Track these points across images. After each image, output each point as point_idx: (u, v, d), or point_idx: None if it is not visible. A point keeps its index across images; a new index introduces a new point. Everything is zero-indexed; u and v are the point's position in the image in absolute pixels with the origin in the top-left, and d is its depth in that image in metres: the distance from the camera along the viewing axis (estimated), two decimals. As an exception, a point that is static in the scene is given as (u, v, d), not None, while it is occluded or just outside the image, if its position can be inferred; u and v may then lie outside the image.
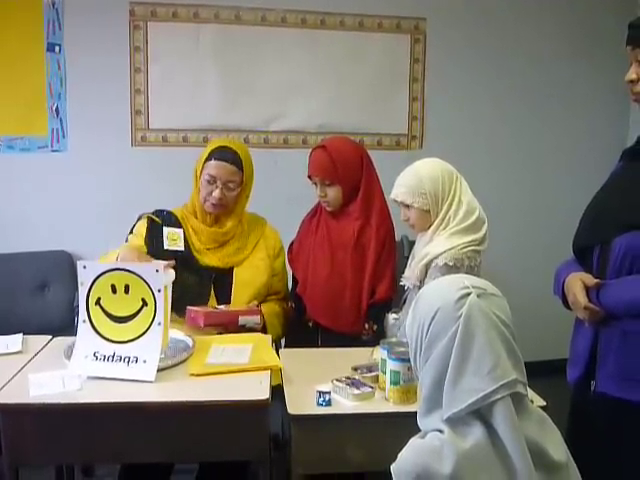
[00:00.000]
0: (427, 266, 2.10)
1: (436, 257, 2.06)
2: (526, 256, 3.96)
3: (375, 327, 2.31)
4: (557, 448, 1.21)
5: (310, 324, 2.42)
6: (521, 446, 1.14)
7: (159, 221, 2.36)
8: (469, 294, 1.20)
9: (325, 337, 2.38)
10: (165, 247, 2.29)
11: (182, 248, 2.30)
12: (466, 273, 1.99)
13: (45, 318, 3.33)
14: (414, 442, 1.22)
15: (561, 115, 4.03)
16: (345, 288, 2.33)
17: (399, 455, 1.20)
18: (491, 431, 1.16)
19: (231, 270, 2.35)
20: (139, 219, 2.41)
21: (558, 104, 4.01)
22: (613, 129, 4.02)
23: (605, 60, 3.85)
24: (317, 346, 2.37)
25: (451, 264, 2.03)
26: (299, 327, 2.45)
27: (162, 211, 2.40)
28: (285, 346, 2.43)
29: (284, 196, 3.58)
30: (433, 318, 1.21)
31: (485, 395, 1.15)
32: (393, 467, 1.19)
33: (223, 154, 2.31)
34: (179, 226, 2.36)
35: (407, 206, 2.13)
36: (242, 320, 2.22)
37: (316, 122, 3.75)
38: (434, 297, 1.25)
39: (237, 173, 2.32)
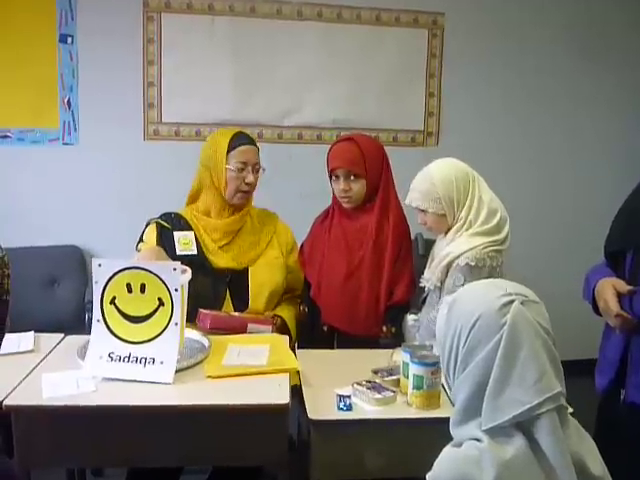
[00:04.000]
0: (448, 266, 2.07)
1: (457, 257, 2.03)
2: (544, 255, 3.90)
3: (393, 330, 2.26)
4: (595, 461, 1.18)
5: (325, 328, 2.36)
6: (566, 461, 1.10)
7: (168, 226, 2.30)
8: (512, 301, 1.16)
9: (341, 341, 2.33)
10: (178, 252, 2.23)
11: (195, 252, 2.26)
12: (489, 274, 2.01)
13: (55, 314, 3.29)
14: (450, 451, 1.18)
15: (579, 111, 3.97)
16: (362, 290, 2.28)
17: (435, 464, 1.16)
18: (533, 443, 1.12)
19: (246, 271, 2.30)
20: (147, 225, 2.35)
21: (577, 101, 3.96)
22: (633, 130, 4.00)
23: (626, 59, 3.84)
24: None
25: (473, 264, 2.01)
26: (313, 332, 2.39)
27: (170, 214, 2.34)
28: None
29: (297, 192, 3.58)
30: (474, 325, 1.16)
31: (530, 408, 1.11)
32: (429, 476, 1.16)
33: (244, 138, 2.30)
34: (189, 228, 2.31)
35: (423, 210, 2.11)
36: (251, 328, 2.17)
37: (331, 117, 3.71)
38: (473, 303, 1.20)
39: (258, 153, 2.32)
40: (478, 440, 1.14)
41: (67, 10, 3.39)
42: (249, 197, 2.34)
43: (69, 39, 3.42)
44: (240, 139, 2.29)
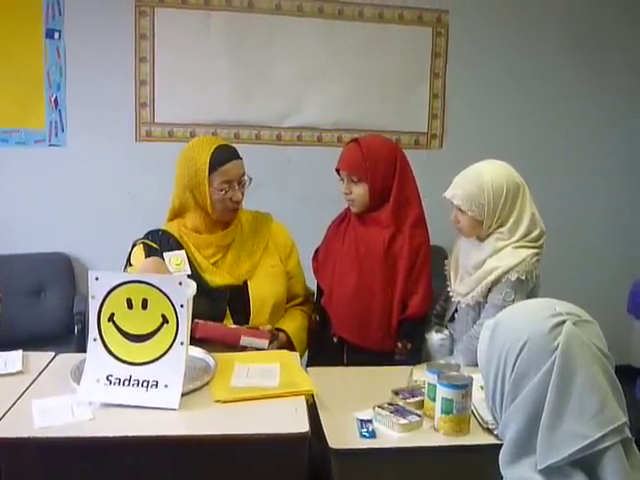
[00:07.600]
0: (496, 281, 1.99)
1: (507, 272, 1.97)
2: (547, 259, 3.79)
3: (409, 346, 2.14)
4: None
5: (335, 339, 2.24)
6: None
7: (156, 247, 2.14)
8: (564, 321, 1.05)
9: (351, 355, 2.21)
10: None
11: (189, 271, 2.10)
12: (534, 283, 2.00)
13: (41, 326, 3.19)
14: None
15: (589, 114, 3.87)
16: (373, 302, 2.16)
17: None
18: None
19: (245, 286, 2.17)
20: (133, 246, 2.19)
21: (589, 102, 3.86)
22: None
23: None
24: (343, 364, 2.20)
25: (523, 277, 1.97)
26: (323, 343, 2.28)
27: (156, 232, 2.18)
28: (308, 364, 2.24)
29: (296, 196, 3.50)
30: (521, 350, 1.06)
31: (591, 442, 1.00)
32: None
33: (223, 155, 2.11)
34: (179, 247, 2.15)
35: (461, 210, 2.01)
36: (245, 341, 2.04)
37: (332, 118, 3.61)
38: (520, 325, 1.09)
39: (242, 164, 2.16)
40: None
41: (54, 3, 3.28)
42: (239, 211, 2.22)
43: (56, 34, 3.32)
44: (220, 156, 2.10)
